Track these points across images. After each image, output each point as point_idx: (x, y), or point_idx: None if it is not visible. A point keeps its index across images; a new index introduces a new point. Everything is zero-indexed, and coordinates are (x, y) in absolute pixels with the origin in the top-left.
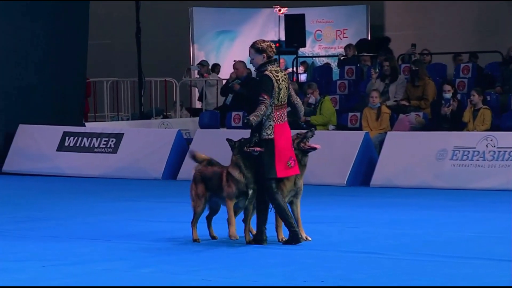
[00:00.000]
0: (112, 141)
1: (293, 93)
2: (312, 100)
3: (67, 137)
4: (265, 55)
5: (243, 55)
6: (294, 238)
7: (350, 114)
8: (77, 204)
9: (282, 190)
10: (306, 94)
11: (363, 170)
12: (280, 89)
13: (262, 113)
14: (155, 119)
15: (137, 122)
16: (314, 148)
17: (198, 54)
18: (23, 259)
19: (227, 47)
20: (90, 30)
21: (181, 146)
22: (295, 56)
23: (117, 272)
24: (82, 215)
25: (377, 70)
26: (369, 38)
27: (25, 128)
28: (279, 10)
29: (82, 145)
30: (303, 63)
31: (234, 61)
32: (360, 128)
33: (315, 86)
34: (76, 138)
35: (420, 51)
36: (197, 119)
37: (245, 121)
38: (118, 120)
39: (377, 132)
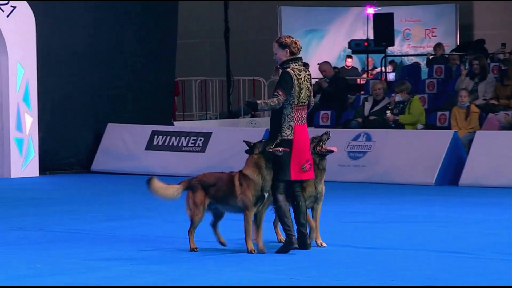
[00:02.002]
0: (200, 140)
1: (311, 94)
2: (398, 98)
3: (155, 136)
4: (287, 50)
5: (331, 54)
6: (288, 243)
7: (439, 113)
8: (165, 202)
9: (302, 196)
10: (394, 92)
11: (452, 169)
12: (301, 89)
13: (272, 104)
14: (243, 118)
15: (225, 121)
16: (331, 151)
17: None
18: (112, 257)
19: (315, 46)
20: (179, 29)
21: None
22: (383, 55)
23: (202, 272)
24: (172, 213)
25: (466, 67)
26: (458, 37)
27: (113, 127)
28: (370, 9)
29: (170, 144)
30: (391, 62)
31: (318, 64)
32: (449, 127)
33: (408, 86)
34: (164, 137)
35: (510, 51)
36: None
37: (251, 100)
38: (207, 119)
39: (466, 131)
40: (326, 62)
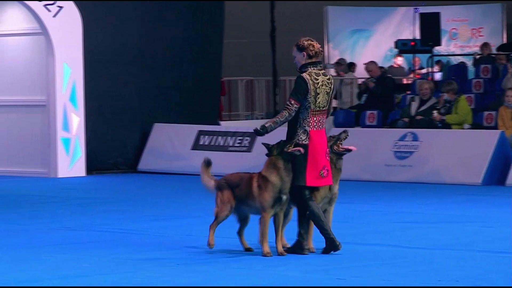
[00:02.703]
0: (247, 140)
1: (331, 99)
2: (446, 98)
3: (201, 136)
4: (304, 53)
5: (378, 54)
6: (331, 246)
7: (486, 113)
8: (212, 202)
9: (315, 197)
10: (441, 92)
11: (499, 169)
12: (317, 94)
13: (282, 119)
14: None
15: None
16: (349, 150)
17: (333, 53)
18: (158, 257)
19: (361, 46)
20: (225, 29)
21: None
22: (430, 54)
23: (250, 271)
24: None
25: None
26: (505, 37)
27: (160, 127)
28: (417, 8)
29: (216, 144)
30: (438, 62)
31: (364, 64)
32: (495, 127)
33: (455, 86)
34: (210, 137)
35: None
36: (331, 118)
37: (260, 129)
38: (253, 119)
39: None
40: (373, 62)
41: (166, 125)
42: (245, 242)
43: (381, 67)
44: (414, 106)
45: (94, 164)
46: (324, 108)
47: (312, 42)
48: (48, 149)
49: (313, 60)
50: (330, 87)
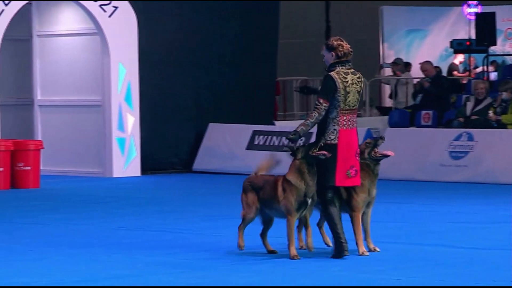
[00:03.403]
0: (301, 139)
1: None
2: (505, 96)
3: (256, 136)
4: (333, 53)
5: (434, 54)
6: (338, 250)
7: None
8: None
9: (356, 202)
10: (499, 91)
11: None
12: (347, 93)
13: (313, 120)
14: None
15: None
16: (387, 155)
17: (388, 53)
18: (212, 257)
19: (417, 46)
20: (280, 29)
21: None
22: (485, 54)
23: (306, 272)
24: None
25: None
26: None
27: (215, 127)
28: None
29: (271, 143)
30: (493, 62)
31: (420, 63)
32: None
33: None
34: (265, 136)
35: None
36: (386, 117)
37: (293, 135)
38: None
39: None
40: (427, 62)
41: (221, 125)
42: (268, 244)
43: (437, 67)
44: (469, 106)
45: (149, 164)
46: (354, 107)
47: (342, 43)
48: (103, 149)
49: (341, 59)
50: (360, 86)
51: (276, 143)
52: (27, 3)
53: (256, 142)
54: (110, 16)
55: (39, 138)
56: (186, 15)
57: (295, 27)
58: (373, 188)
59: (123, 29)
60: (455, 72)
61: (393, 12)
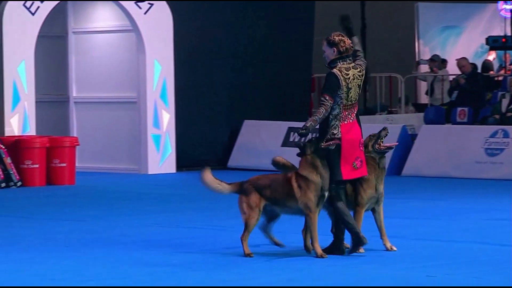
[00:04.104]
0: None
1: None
2: None
3: (291, 133)
4: (335, 49)
5: (469, 51)
6: (356, 241)
7: None
8: None
9: (362, 198)
10: None
11: None
12: (349, 88)
13: (321, 116)
14: (380, 114)
15: (362, 117)
16: (391, 147)
17: (423, 49)
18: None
19: (452, 43)
20: (315, 26)
21: (406, 142)
22: None
23: (342, 268)
24: None
25: None
26: None
27: (250, 124)
28: (506, 5)
29: (306, 140)
30: None
31: (456, 60)
32: None
33: None
34: None
35: None
36: (422, 114)
37: (303, 129)
38: None
39: None
40: (464, 58)
41: (256, 121)
42: (273, 236)
43: (472, 64)
44: (505, 103)
45: (184, 161)
46: (354, 102)
47: (343, 38)
48: (139, 145)
49: (342, 55)
50: (361, 79)
51: None
52: (62, 1)
53: (291, 139)
54: (145, 13)
55: (75, 135)
56: (221, 12)
57: (331, 24)
58: (380, 183)
59: (158, 26)
60: (492, 72)
61: (429, 9)
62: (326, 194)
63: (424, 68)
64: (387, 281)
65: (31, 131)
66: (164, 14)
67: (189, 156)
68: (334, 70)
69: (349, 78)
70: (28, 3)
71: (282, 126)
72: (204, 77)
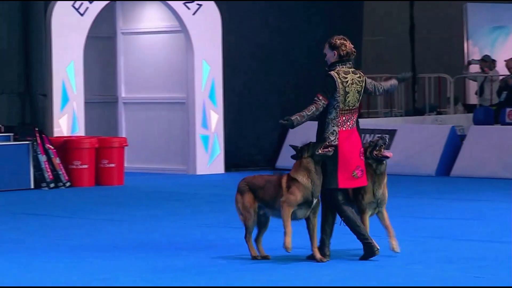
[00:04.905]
0: (386, 137)
1: (375, 83)
2: None
3: None
4: (335, 52)
5: None
6: (368, 251)
7: None
8: None
9: (361, 203)
10: None
11: None
12: (347, 92)
13: (309, 113)
14: (429, 115)
15: (410, 118)
16: (386, 157)
17: (472, 50)
18: (290, 255)
19: (501, 43)
20: (364, 27)
21: (455, 143)
22: None
23: (389, 269)
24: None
25: None
26: None
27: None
28: None
29: None
30: None
31: (505, 60)
32: None
33: None
34: None
35: None
36: (471, 115)
37: (285, 120)
38: (391, 116)
39: None
40: None
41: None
42: (262, 249)
43: None
44: None
45: (233, 161)
46: (354, 107)
47: (345, 42)
48: (187, 146)
49: (342, 59)
50: (361, 85)
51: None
52: (111, 1)
53: None
54: (194, 13)
55: (123, 135)
56: (270, 13)
57: (380, 25)
58: (379, 188)
59: (207, 27)
60: None
61: (478, 9)
62: (315, 201)
63: (474, 68)
64: (434, 282)
65: (80, 131)
66: (212, 14)
67: (238, 157)
68: (332, 72)
69: (347, 81)
70: (77, 4)
71: None
72: (253, 78)
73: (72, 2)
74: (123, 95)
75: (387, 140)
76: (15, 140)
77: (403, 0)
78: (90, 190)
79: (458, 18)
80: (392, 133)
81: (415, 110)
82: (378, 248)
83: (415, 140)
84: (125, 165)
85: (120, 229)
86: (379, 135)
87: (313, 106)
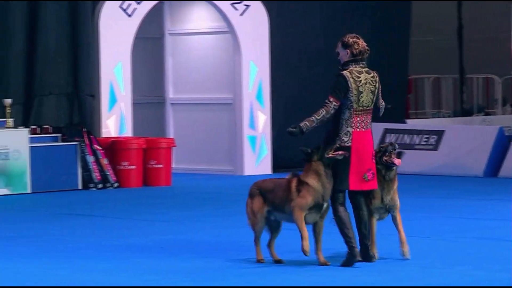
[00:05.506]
0: (433, 138)
1: (380, 96)
2: None
3: (387, 134)
4: (348, 51)
5: None
6: (350, 256)
7: None
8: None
9: (368, 207)
10: None
11: None
12: (360, 92)
13: (319, 117)
14: (477, 116)
15: (458, 119)
16: (394, 164)
17: None
18: (328, 257)
19: None
20: (412, 27)
21: (503, 143)
22: None
23: (435, 270)
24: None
25: None
26: None
27: None
28: None
29: (403, 142)
30: None
31: None
32: None
33: None
34: (397, 135)
35: None
36: None
37: (293, 127)
38: (439, 117)
39: None
40: None
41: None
42: (275, 254)
43: None
44: None
45: (280, 162)
46: (368, 108)
47: (358, 40)
48: (235, 147)
49: (356, 58)
50: (375, 85)
51: (408, 141)
52: (159, 2)
53: (387, 141)
54: (241, 14)
55: (171, 136)
56: (317, 14)
57: (428, 25)
58: (387, 194)
59: (254, 28)
60: None
61: None
62: (325, 205)
63: None
64: (481, 282)
65: (128, 132)
66: (260, 15)
67: (285, 157)
68: (344, 72)
69: (360, 81)
70: (125, 5)
71: (378, 127)
72: (300, 78)
73: (120, 3)
74: (170, 95)
75: (397, 147)
76: (63, 141)
77: (451, 0)
78: (137, 191)
79: (506, 18)
80: (440, 134)
81: (463, 111)
82: (405, 252)
83: (463, 141)
84: (173, 165)
85: (167, 230)
86: (389, 142)
87: (323, 109)
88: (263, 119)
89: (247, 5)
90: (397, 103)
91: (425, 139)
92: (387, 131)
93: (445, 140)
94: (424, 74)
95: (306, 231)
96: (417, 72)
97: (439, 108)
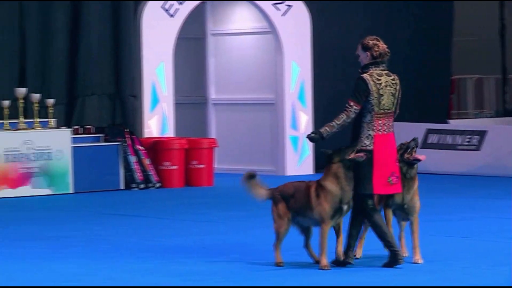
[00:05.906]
0: (476, 138)
1: (399, 101)
2: None
3: (430, 134)
4: (368, 53)
5: None
6: (393, 259)
7: None
8: (440, 201)
9: (386, 201)
10: None
11: None
12: (381, 95)
13: (339, 122)
14: None
15: (501, 119)
16: (418, 160)
17: None
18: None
19: None
20: (454, 27)
21: None
22: None
23: (472, 269)
24: (444, 213)
25: None
26: None
27: None
28: None
29: (445, 142)
30: None
31: None
32: None
33: None
34: (439, 135)
35: None
36: None
37: (313, 133)
38: (482, 117)
39: None
40: None
41: (394, 123)
42: (315, 254)
43: None
44: None
45: (322, 162)
46: (390, 110)
47: (378, 43)
48: (277, 147)
49: (376, 60)
50: (396, 88)
51: (450, 142)
52: (201, 2)
53: (429, 141)
54: (283, 15)
55: (213, 136)
56: (360, 14)
57: (470, 25)
58: (407, 193)
59: (296, 28)
60: None
61: None
62: (345, 207)
63: None
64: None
65: (170, 132)
66: (302, 15)
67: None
68: (364, 75)
69: (380, 84)
70: (167, 5)
71: (421, 128)
72: (342, 79)
73: (162, 3)
74: (212, 96)
75: (418, 142)
76: (105, 141)
77: (494, 0)
78: (179, 191)
79: None
80: (482, 134)
81: (505, 111)
82: (403, 257)
83: (505, 141)
84: (215, 166)
85: (208, 230)
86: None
87: (344, 114)
88: (305, 119)
89: (289, 5)
90: (439, 103)
91: (468, 140)
92: (429, 131)
93: (488, 141)
94: (467, 74)
95: (326, 245)
96: (459, 72)
97: (482, 108)
